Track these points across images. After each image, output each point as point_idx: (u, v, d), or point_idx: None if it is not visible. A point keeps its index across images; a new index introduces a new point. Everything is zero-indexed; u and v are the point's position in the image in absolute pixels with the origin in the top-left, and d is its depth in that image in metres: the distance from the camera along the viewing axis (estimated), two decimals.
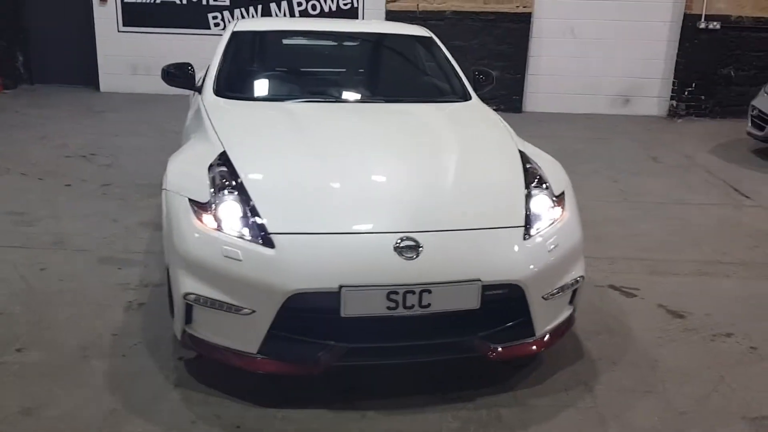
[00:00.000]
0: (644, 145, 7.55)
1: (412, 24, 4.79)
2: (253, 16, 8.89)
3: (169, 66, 3.97)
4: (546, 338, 2.80)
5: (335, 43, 4.35)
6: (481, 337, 2.67)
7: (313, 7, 8.83)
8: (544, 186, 3.00)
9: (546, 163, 3.21)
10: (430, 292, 2.53)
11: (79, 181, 5.48)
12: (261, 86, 3.93)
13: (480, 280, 2.57)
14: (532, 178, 3.04)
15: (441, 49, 4.32)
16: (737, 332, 3.38)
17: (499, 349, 2.69)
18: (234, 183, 2.77)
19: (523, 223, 2.79)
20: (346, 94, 3.93)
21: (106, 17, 9.13)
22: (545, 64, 8.94)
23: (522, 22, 8.71)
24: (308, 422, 2.55)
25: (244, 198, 2.71)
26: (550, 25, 8.83)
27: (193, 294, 2.62)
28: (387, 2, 8.69)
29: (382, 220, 2.67)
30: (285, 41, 4.22)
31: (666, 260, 4.29)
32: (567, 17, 8.78)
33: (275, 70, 4.12)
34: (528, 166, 3.12)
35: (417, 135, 3.38)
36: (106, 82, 9.37)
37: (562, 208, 2.96)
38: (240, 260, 2.55)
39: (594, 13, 8.77)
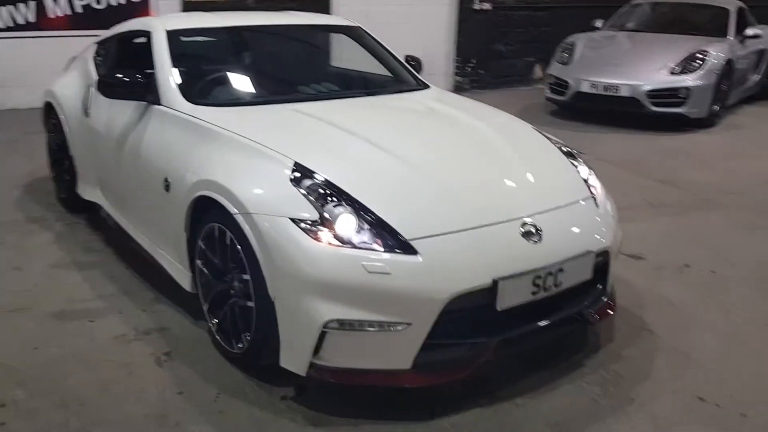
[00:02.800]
0: None
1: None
2: (24, 13, 7.65)
3: (106, 76, 3.37)
4: (613, 298, 3.06)
5: (277, 38, 4.04)
6: (587, 305, 2.84)
7: (98, 1, 7.89)
8: (577, 158, 3.24)
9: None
10: (563, 270, 2.62)
11: None
12: (242, 89, 3.53)
13: (591, 251, 2.74)
14: (562, 151, 3.26)
15: (375, 39, 4.28)
16: (691, 263, 3.99)
17: (598, 314, 2.89)
18: (337, 194, 2.54)
19: (590, 194, 3.00)
20: (331, 91, 3.71)
21: None
22: None
23: (323, 10, 8.76)
24: (478, 424, 2.49)
25: (358, 207, 2.50)
26: (348, 12, 8.96)
27: (336, 320, 2.37)
28: None
29: (495, 209, 2.67)
30: (229, 38, 3.79)
31: None
32: (362, 3, 9.05)
33: (241, 70, 3.71)
34: (552, 140, 3.33)
35: (453, 125, 3.36)
36: None
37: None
38: (388, 273, 2.37)
39: None
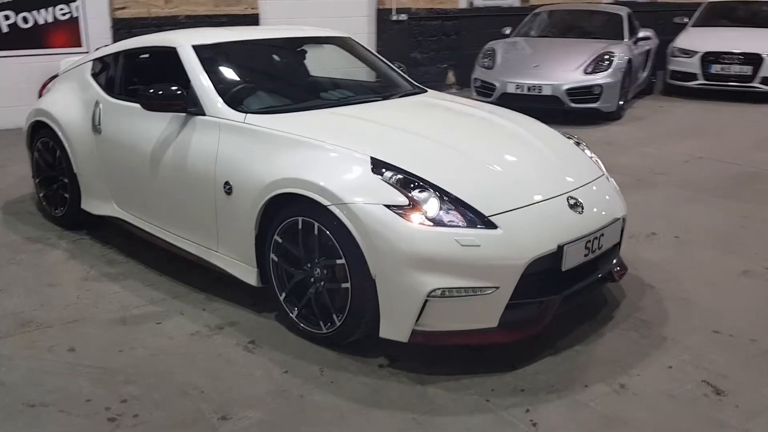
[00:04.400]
0: None
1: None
2: None
3: (149, 89, 3.52)
4: (622, 260, 3.61)
5: (287, 50, 4.31)
6: (614, 265, 3.37)
7: (25, 20, 7.68)
8: (580, 143, 3.78)
9: None
10: (603, 235, 3.13)
11: None
12: (280, 98, 3.77)
13: (619, 218, 3.27)
14: (567, 137, 3.79)
15: (366, 48, 4.64)
16: (657, 231, 4.66)
17: (619, 273, 3.43)
18: (420, 182, 2.90)
19: (602, 172, 3.54)
20: (350, 96, 4.02)
21: None
22: None
23: (252, 23, 8.97)
24: (554, 368, 2.93)
25: (439, 192, 2.88)
26: (273, 24, 9.26)
27: (439, 289, 2.74)
28: (114, 10, 8.04)
29: (544, 187, 3.13)
30: (249, 51, 4.00)
31: None
32: (286, 17, 9.32)
33: (270, 79, 3.94)
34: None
35: (477, 120, 3.79)
36: None
37: None
38: (478, 245, 2.77)
39: (307, 11, 9.49)
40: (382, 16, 10.09)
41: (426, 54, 10.72)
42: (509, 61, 8.51)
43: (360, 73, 4.64)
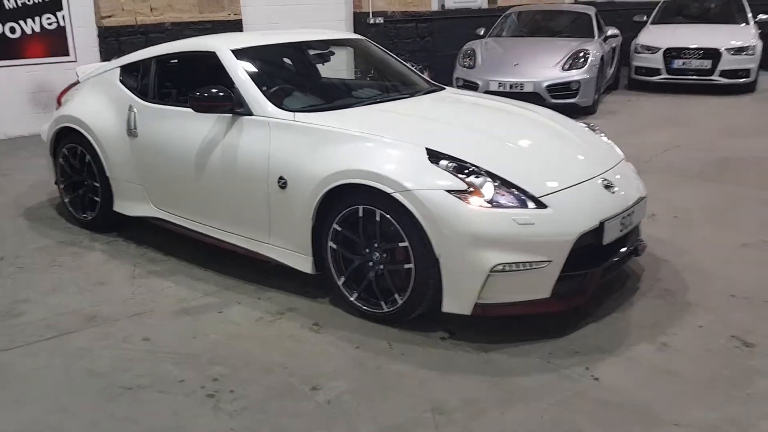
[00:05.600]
0: None
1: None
2: None
3: (197, 92, 3.71)
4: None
5: (316, 52, 4.53)
6: (638, 240, 3.71)
7: (12, 30, 7.69)
8: (596, 131, 4.11)
9: None
10: (633, 212, 3.46)
11: None
12: (322, 96, 4.00)
13: (643, 197, 3.61)
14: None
15: (382, 48, 4.91)
16: (656, 212, 5.00)
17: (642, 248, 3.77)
18: (475, 168, 3.17)
19: (622, 155, 3.88)
20: (380, 94, 4.27)
21: None
22: None
23: (236, 29, 9.12)
24: (600, 332, 3.25)
25: (492, 177, 3.16)
26: (258, 30, 9.41)
27: (500, 264, 3.01)
28: (101, 18, 8.10)
29: (581, 170, 3.45)
30: (281, 53, 4.21)
31: None
32: (269, 21, 9.52)
33: (306, 80, 4.16)
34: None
35: (504, 111, 4.08)
36: None
37: None
38: (533, 223, 3.06)
39: (288, 16, 9.69)
40: (359, 19, 10.36)
41: (402, 55, 10.95)
42: (489, 61, 8.87)
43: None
